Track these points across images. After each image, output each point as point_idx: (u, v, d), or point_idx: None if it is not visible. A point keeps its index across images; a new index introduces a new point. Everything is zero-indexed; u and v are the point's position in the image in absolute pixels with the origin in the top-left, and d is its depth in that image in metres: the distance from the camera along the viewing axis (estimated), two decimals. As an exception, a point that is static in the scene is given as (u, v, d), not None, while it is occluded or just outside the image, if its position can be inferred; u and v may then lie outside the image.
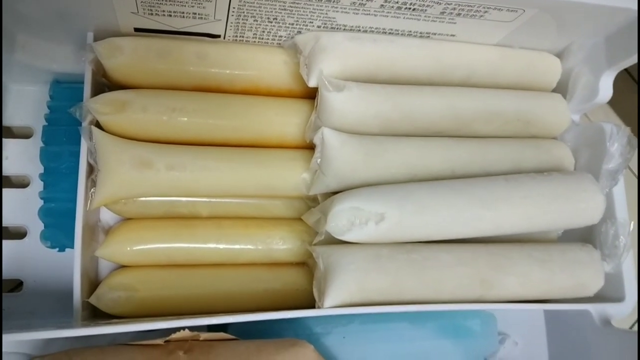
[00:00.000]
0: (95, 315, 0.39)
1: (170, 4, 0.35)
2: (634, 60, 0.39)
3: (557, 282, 0.39)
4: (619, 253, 0.41)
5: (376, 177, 0.39)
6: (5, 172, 0.44)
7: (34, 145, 0.44)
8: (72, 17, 0.37)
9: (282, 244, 0.41)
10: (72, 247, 0.38)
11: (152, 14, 0.37)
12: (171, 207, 0.41)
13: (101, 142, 0.37)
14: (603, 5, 0.36)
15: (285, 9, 0.36)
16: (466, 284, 0.37)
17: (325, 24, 0.39)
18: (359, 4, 0.36)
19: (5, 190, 0.44)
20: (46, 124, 0.44)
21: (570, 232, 0.44)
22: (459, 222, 0.37)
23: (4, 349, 0.36)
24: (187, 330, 0.32)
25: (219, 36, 0.40)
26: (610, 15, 0.38)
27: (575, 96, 0.44)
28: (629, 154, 0.41)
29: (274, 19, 0.38)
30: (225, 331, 0.34)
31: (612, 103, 0.57)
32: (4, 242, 0.43)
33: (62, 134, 0.44)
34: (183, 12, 0.36)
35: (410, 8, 0.37)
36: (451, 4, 0.36)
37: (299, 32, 0.39)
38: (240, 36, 0.40)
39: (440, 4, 0.36)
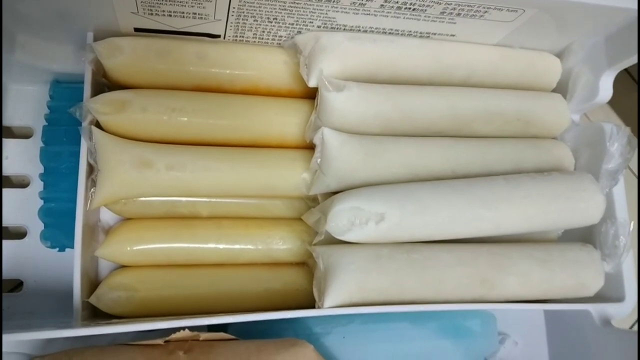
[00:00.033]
0: (95, 315, 0.39)
1: (170, 4, 0.35)
2: (634, 60, 0.39)
3: (557, 282, 0.39)
4: (619, 253, 0.41)
5: (376, 177, 0.39)
6: (5, 172, 0.44)
7: (34, 145, 0.44)
8: (72, 17, 0.37)
9: (282, 244, 0.41)
10: (72, 247, 0.38)
11: (152, 14, 0.37)
12: (171, 207, 0.41)
13: (101, 142, 0.37)
14: (603, 5, 0.36)
15: (285, 9, 0.36)
16: (466, 283, 0.37)
17: (325, 24, 0.39)
18: (359, 4, 0.36)
19: (5, 190, 0.44)
20: (46, 124, 0.44)
21: (570, 232, 0.44)
22: (459, 222, 0.37)
23: (4, 349, 0.36)
24: (187, 330, 0.32)
25: (219, 36, 0.40)
26: (610, 15, 0.38)
27: (575, 96, 0.44)
28: (629, 154, 0.41)
29: (274, 19, 0.38)
30: (225, 331, 0.34)
31: (612, 103, 0.57)
32: (4, 242, 0.43)
33: (62, 134, 0.44)
34: (183, 12, 0.36)
35: (410, 8, 0.37)
36: (451, 4, 0.36)
37: (299, 32, 0.39)
38: (240, 36, 0.40)
39: (440, 4, 0.36)
